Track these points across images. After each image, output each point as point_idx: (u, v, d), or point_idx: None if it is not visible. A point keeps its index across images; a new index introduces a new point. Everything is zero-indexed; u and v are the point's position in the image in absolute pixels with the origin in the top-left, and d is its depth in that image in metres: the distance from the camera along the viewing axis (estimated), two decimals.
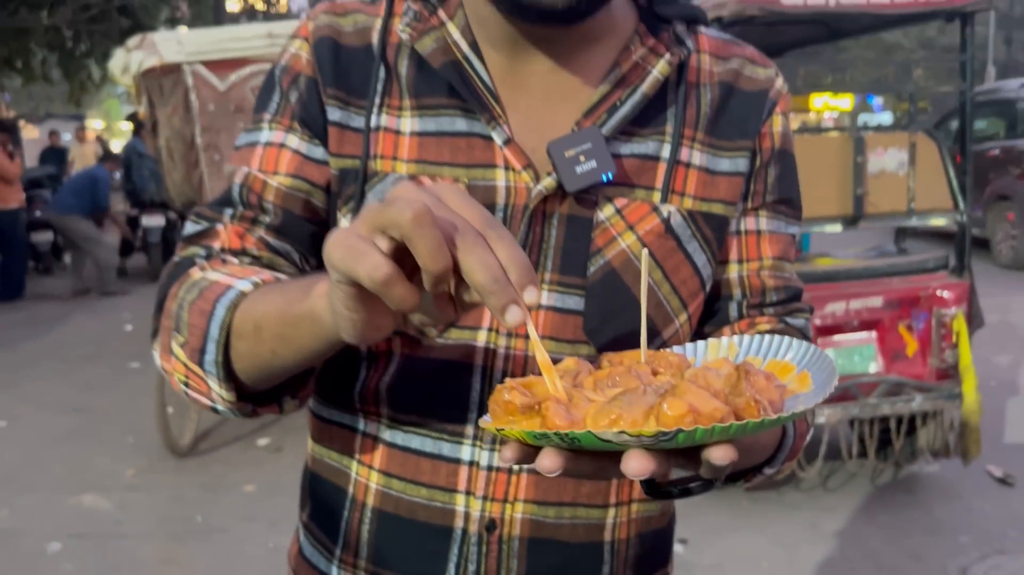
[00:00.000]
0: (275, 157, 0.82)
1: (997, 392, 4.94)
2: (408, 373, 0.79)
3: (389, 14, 0.81)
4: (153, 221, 9.14)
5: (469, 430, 0.79)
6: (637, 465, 0.49)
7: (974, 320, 3.73)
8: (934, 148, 3.62)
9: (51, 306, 8.36)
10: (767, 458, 0.76)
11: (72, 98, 17.43)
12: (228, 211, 0.82)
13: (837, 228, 3.59)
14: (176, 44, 3.75)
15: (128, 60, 3.79)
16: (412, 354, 0.79)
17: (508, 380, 0.57)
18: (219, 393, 0.74)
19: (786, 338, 0.66)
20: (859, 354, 3.59)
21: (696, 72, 0.83)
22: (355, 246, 0.52)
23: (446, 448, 0.79)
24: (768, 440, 0.74)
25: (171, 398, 4.18)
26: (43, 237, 9.68)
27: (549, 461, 0.51)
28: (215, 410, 0.77)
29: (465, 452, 0.79)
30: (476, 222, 0.53)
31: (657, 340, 0.80)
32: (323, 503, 0.88)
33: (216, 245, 0.81)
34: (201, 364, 0.73)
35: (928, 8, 3.45)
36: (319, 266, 0.82)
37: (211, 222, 0.82)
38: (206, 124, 3.76)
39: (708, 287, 0.85)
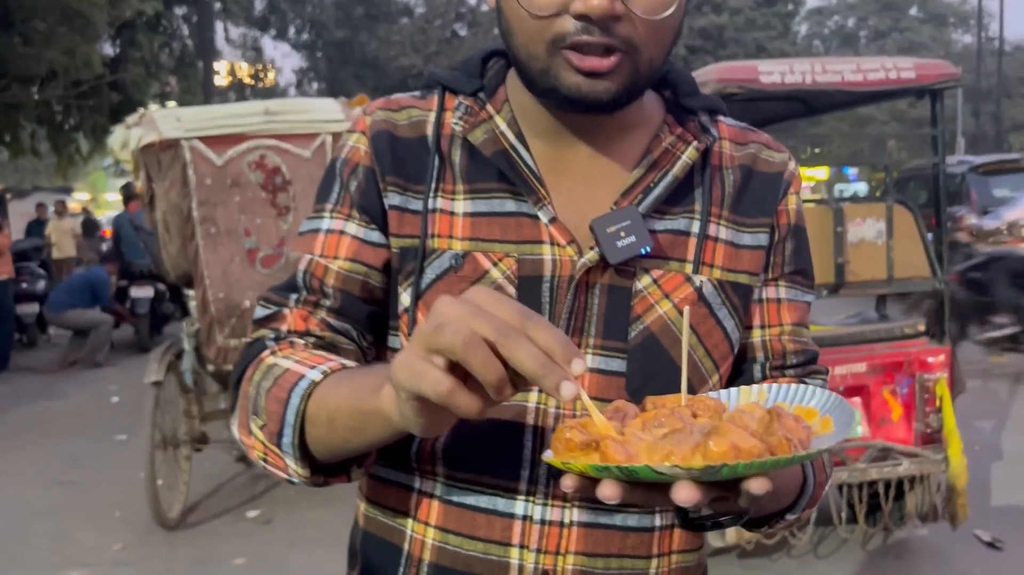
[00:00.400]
0: (335, 243, 0.90)
1: (981, 457, 4.99)
2: (463, 434, 0.85)
3: (441, 108, 0.91)
4: (142, 292, 9.16)
5: (522, 486, 0.85)
6: (687, 495, 0.57)
7: (956, 385, 3.81)
8: (910, 217, 3.74)
9: (36, 378, 8.31)
10: (789, 504, 0.84)
11: (60, 171, 17.58)
12: (293, 296, 0.90)
13: (821, 295, 3.69)
14: (175, 121, 3.86)
15: (128, 136, 3.90)
16: None
17: (568, 420, 0.65)
18: (295, 470, 0.81)
19: (810, 387, 0.74)
20: None
21: (719, 156, 0.93)
22: (416, 367, 0.60)
23: (500, 503, 0.85)
24: (791, 486, 0.81)
25: (161, 469, 4.16)
26: (29, 309, 9.67)
27: (610, 490, 0.59)
28: (291, 482, 0.84)
29: (519, 507, 0.85)
30: (513, 319, 0.60)
31: None
32: (376, 560, 0.93)
33: (283, 328, 0.89)
34: (279, 446, 0.81)
35: (899, 86, 3.62)
36: (376, 342, 0.91)
37: (278, 307, 0.91)
38: (203, 198, 3.85)
39: (736, 350, 0.93)
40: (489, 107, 0.91)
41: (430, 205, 0.89)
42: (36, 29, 11.50)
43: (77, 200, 23.94)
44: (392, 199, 0.89)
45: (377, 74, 24.33)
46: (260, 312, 0.92)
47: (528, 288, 0.86)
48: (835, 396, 0.69)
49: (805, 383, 0.92)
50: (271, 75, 24.97)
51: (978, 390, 6.44)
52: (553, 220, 0.87)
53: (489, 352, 0.58)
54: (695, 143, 0.89)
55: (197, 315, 3.98)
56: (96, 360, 8.64)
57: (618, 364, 0.86)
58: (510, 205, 0.88)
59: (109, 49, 14.67)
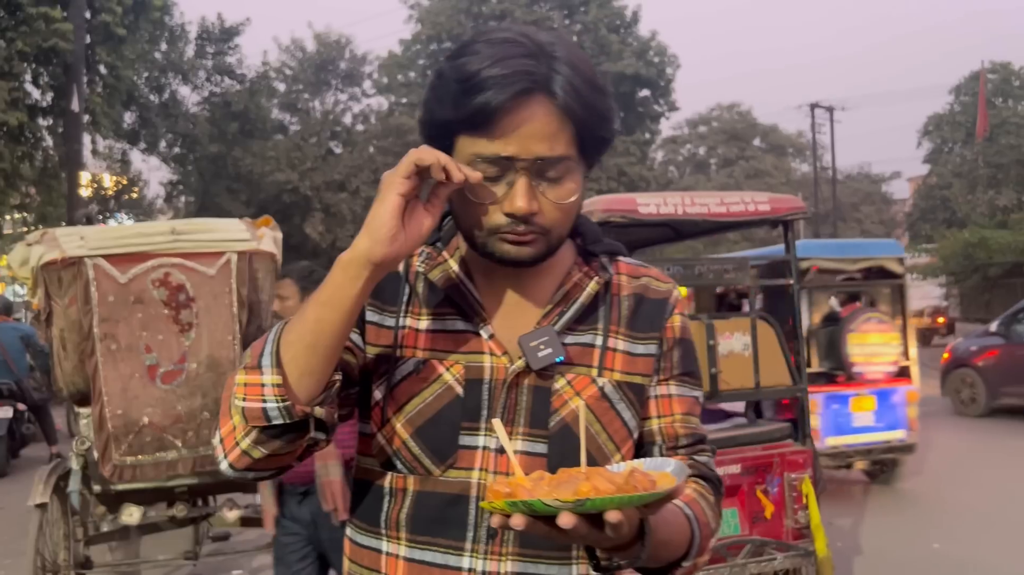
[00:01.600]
0: None
1: (843, 553, 5.39)
2: (420, 504, 1.12)
3: (410, 255, 1.16)
4: (1, 413, 8.65)
5: (467, 545, 1.10)
6: (566, 520, 0.85)
7: (818, 484, 4.19)
8: (771, 331, 4.18)
9: None
10: (683, 554, 1.10)
11: None
12: None
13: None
14: (79, 239, 3.88)
15: (28, 253, 3.87)
16: (422, 490, 1.12)
17: (499, 478, 0.99)
18: (271, 382, 1.00)
19: (669, 459, 1.03)
20: (725, 518, 3.95)
21: (617, 287, 1.21)
22: (399, 165, 1.00)
23: (452, 559, 1.10)
24: (679, 540, 1.08)
25: None
26: None
27: (517, 520, 0.87)
28: (265, 414, 1.01)
29: (465, 562, 1.10)
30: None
31: None
32: None
33: None
34: (259, 366, 1.02)
35: (757, 217, 4.13)
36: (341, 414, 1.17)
37: None
38: (104, 315, 3.85)
39: (635, 435, 1.18)
40: (445, 253, 1.19)
41: (401, 323, 1.16)
42: None
43: None
44: (371, 316, 1.17)
45: (251, 188, 24.27)
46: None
47: (472, 388, 1.12)
48: (677, 462, 0.96)
49: (693, 459, 1.20)
50: (139, 188, 24.46)
51: (837, 492, 6.96)
52: (492, 336, 1.14)
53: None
54: (596, 278, 1.19)
55: (92, 432, 3.91)
56: None
57: (541, 447, 1.12)
58: (459, 324, 1.15)
59: None
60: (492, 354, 1.13)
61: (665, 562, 1.07)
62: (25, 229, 19.13)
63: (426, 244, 1.19)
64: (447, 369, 1.13)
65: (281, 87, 28.98)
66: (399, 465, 1.13)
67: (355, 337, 1.15)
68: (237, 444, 1.04)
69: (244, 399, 1.02)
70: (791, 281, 4.28)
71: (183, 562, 4.57)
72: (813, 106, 34.64)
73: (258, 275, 4.11)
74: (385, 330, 1.16)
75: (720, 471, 3.99)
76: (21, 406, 8.99)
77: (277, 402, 1.00)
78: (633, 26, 30.23)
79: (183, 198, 25.98)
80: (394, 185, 1.00)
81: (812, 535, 4.01)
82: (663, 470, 0.93)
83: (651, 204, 3.94)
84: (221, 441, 1.06)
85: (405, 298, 1.17)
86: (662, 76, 29.78)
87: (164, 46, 22.61)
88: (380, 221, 0.99)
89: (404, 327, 1.16)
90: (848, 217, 37.77)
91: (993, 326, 11.50)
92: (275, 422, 1.01)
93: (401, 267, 1.17)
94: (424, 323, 1.16)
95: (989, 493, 7.00)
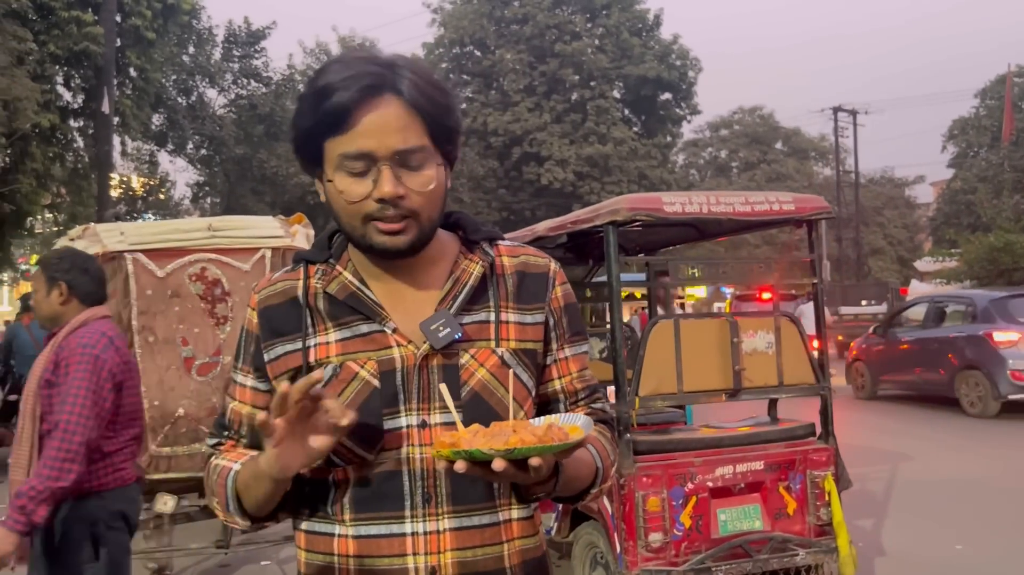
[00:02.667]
0: (243, 393, 1.37)
1: (864, 553, 5.41)
2: (361, 487, 1.27)
3: (307, 276, 1.34)
4: None
5: (407, 512, 1.25)
6: (499, 464, 1.05)
7: (841, 481, 4.23)
8: (795, 329, 4.22)
9: None
10: (589, 484, 1.32)
11: None
12: (225, 432, 1.39)
13: (722, 399, 4.09)
14: (119, 234, 4.01)
15: None
16: (361, 475, 1.27)
17: (445, 432, 1.16)
18: (242, 523, 1.30)
19: (579, 414, 1.25)
20: (748, 514, 4.00)
21: (501, 268, 1.37)
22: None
23: (395, 527, 1.25)
24: (586, 473, 1.30)
25: None
26: None
27: (459, 466, 1.06)
28: (244, 530, 1.38)
29: (407, 527, 1.25)
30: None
31: None
32: None
33: (222, 450, 1.39)
34: (228, 511, 1.30)
35: (781, 216, 4.17)
36: None
37: (218, 439, 1.39)
38: (143, 308, 3.97)
39: (533, 394, 1.35)
40: (338, 267, 1.33)
41: (309, 343, 1.29)
42: None
43: None
44: (269, 355, 1.32)
45: (276, 190, 24.51)
46: (210, 440, 1.41)
47: (387, 378, 1.26)
48: (585, 418, 1.20)
49: (591, 407, 1.42)
50: (166, 189, 24.78)
51: (857, 491, 6.96)
52: (395, 330, 1.28)
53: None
54: (480, 263, 1.34)
55: None
56: None
57: (458, 416, 1.25)
58: (364, 327, 1.29)
59: (0, 160, 14.42)
60: (399, 345, 1.27)
61: (576, 491, 1.31)
62: (56, 228, 19.45)
63: (320, 262, 1.34)
64: (361, 366, 1.27)
65: None
66: (337, 460, 1.26)
67: (263, 385, 1.34)
68: (226, 520, 1.34)
69: (226, 520, 1.33)
70: (815, 280, 4.32)
71: (215, 551, 4.68)
72: (836, 109, 34.49)
73: None
74: (293, 355, 1.31)
75: (743, 467, 4.07)
76: None
77: (252, 526, 1.32)
78: (655, 29, 30.23)
79: (209, 199, 26.27)
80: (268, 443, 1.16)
81: (834, 532, 4.04)
82: (574, 423, 1.16)
83: (676, 203, 3.99)
84: (216, 505, 1.33)
85: (309, 320, 1.31)
86: (684, 79, 29.75)
87: (192, 49, 22.94)
88: (269, 462, 1.16)
89: (315, 345, 1.30)
90: (871, 221, 37.49)
91: (872, 328, 14.56)
92: (253, 529, 1.35)
93: (300, 292, 1.32)
94: (333, 335, 1.30)
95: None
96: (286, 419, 1.11)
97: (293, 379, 1.26)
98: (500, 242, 1.39)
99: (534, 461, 1.06)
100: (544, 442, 1.08)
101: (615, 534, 3.85)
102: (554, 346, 1.39)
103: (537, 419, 1.21)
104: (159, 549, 4.57)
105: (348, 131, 1.22)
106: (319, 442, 1.14)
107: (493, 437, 1.08)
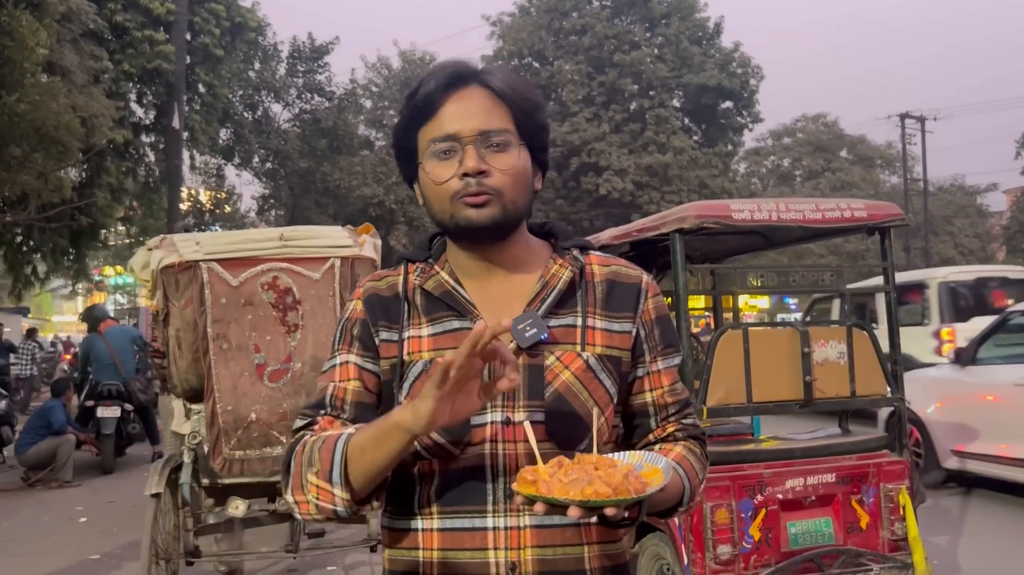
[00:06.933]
0: (346, 371, 1.36)
1: (940, 571, 5.24)
2: (446, 480, 1.29)
3: (406, 273, 1.41)
4: (109, 412, 9.13)
5: (489, 507, 1.27)
6: (574, 512, 1.07)
7: (916, 495, 4.11)
8: (867, 339, 4.13)
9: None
10: (676, 503, 1.34)
11: (13, 293, 17.46)
12: (322, 411, 1.35)
13: (792, 411, 4.01)
14: (194, 244, 4.13)
15: (149, 258, 4.14)
16: (446, 468, 1.29)
17: (527, 467, 1.14)
18: (341, 496, 1.22)
19: (659, 455, 1.24)
20: (819, 527, 3.91)
21: (590, 274, 1.40)
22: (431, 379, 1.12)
23: (477, 522, 1.27)
24: (674, 493, 1.31)
25: None
26: None
27: (539, 507, 1.09)
28: (336, 512, 1.24)
29: (489, 521, 1.27)
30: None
31: (587, 432, 1.30)
32: None
33: (316, 429, 1.33)
34: (329, 480, 1.22)
35: (853, 223, 4.09)
36: None
37: (311, 418, 1.35)
38: (217, 316, 4.08)
39: (615, 400, 1.35)
40: (436, 267, 1.39)
41: (404, 335, 1.35)
42: (12, 155, 11.75)
43: (26, 321, 23.60)
44: (383, 335, 1.36)
45: (338, 202, 24.92)
46: (299, 422, 1.36)
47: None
48: (666, 461, 1.22)
49: (682, 423, 1.42)
50: (232, 202, 25.39)
51: (931, 507, 6.76)
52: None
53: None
54: (570, 268, 1.37)
55: (204, 428, 4.13)
56: (64, 479, 8.56)
57: (539, 415, 1.28)
58: (455, 323, 1.33)
59: (76, 174, 14.94)
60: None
61: (661, 510, 1.34)
62: (128, 241, 20.08)
63: (420, 261, 1.40)
64: None
65: (368, 104, 29.73)
66: (424, 453, 1.29)
67: (370, 365, 1.36)
68: (309, 513, 1.27)
69: (317, 498, 1.24)
70: (888, 287, 4.22)
71: (284, 555, 4.75)
72: (903, 116, 33.69)
73: (360, 279, 4.28)
74: (394, 344, 1.35)
75: (814, 480, 3.99)
76: (128, 406, 9.46)
77: (346, 509, 1.24)
78: (715, 38, 29.96)
79: (274, 212, 26.83)
80: (430, 393, 1.13)
81: (910, 547, 3.93)
82: (656, 466, 1.19)
83: (745, 210, 3.94)
84: (296, 503, 1.27)
85: (406, 314, 1.37)
86: (745, 87, 29.39)
87: (258, 65, 23.47)
88: (420, 413, 1.14)
89: (409, 337, 1.35)
90: (940, 230, 36.47)
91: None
92: (342, 517, 1.26)
93: (400, 287, 1.38)
94: (426, 330, 1.35)
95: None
96: (465, 365, 1.10)
97: (392, 369, 1.33)
98: (592, 252, 1.43)
99: (609, 511, 1.09)
100: (619, 493, 1.09)
101: (682, 546, 3.80)
102: (647, 358, 1.40)
103: (621, 454, 1.22)
104: (230, 551, 4.67)
105: (436, 118, 1.30)
106: (470, 404, 1.16)
107: (573, 478, 1.10)
